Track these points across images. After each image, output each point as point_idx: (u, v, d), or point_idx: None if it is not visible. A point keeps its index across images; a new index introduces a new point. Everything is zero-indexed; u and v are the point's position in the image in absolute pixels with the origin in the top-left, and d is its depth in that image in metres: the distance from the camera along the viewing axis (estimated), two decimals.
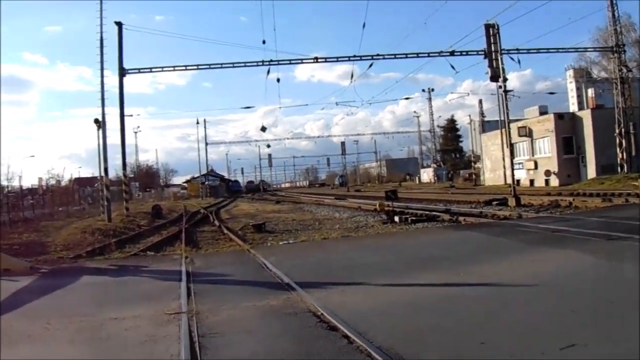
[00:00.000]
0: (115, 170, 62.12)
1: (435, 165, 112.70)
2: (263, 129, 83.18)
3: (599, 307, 8.55)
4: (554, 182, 54.10)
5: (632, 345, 6.66)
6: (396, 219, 27.06)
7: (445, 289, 11.13)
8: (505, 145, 45.01)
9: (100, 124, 39.06)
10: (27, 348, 8.83)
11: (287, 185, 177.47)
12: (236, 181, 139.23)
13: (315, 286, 11.95)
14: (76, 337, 9.27)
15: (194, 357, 7.70)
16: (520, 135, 58.58)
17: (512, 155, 38.11)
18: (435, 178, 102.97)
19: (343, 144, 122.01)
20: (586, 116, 53.99)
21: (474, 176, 75.98)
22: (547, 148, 56.83)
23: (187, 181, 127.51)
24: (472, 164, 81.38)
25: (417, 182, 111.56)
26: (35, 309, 11.59)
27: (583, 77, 76.64)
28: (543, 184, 55.42)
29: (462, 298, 10.29)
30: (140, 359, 7.90)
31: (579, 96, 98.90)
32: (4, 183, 51.13)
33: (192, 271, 15.30)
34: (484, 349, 7.28)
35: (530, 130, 59.04)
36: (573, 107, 59.60)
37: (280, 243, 22.12)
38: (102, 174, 39.64)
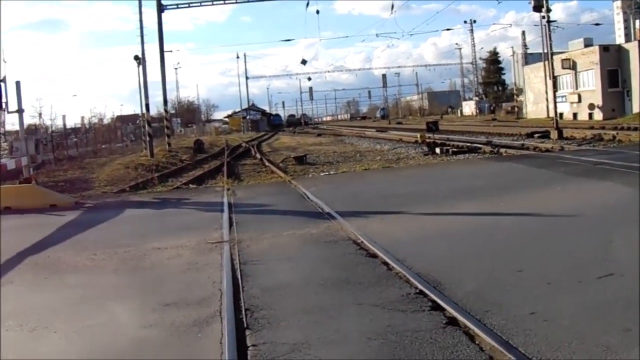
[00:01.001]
0: (156, 106, 62.44)
1: (477, 98, 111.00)
2: (303, 62, 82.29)
3: (637, 239, 8.37)
4: (598, 115, 52.87)
5: None
6: (437, 150, 26.85)
7: (483, 218, 11.06)
8: (548, 78, 44.01)
9: (140, 60, 39.13)
10: (73, 278, 9.02)
11: (329, 118, 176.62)
12: (277, 115, 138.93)
13: (355, 215, 11.97)
14: (120, 267, 9.44)
15: (235, 284, 7.77)
16: (564, 68, 57.08)
17: (555, 88, 37.22)
18: (477, 111, 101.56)
19: (384, 76, 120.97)
20: (633, 48, 52.25)
21: (516, 109, 74.61)
22: (591, 81, 55.37)
23: (229, 116, 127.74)
24: (515, 97, 79.93)
25: (459, 115, 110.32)
26: (81, 242, 11.78)
27: (631, 7, 74.15)
28: (586, 117, 54.18)
29: (501, 227, 10.23)
30: (182, 286, 7.98)
31: (626, 28, 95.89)
32: (48, 123, 51.80)
33: (234, 202, 15.44)
34: (520, 276, 7.25)
35: (574, 63, 57.47)
36: (619, 39, 57.63)
37: (321, 174, 22.12)
38: (144, 110, 39.91)
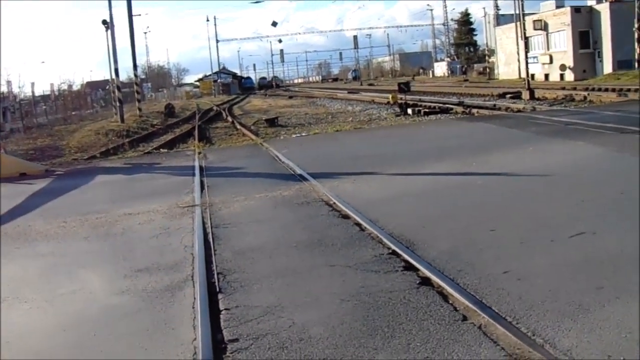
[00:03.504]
0: (126, 72, 61.83)
1: (448, 60, 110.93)
2: (274, 24, 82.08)
3: (609, 198, 8.43)
4: (569, 76, 52.99)
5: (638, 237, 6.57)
6: (409, 111, 26.80)
7: (456, 178, 11.05)
8: (520, 39, 43.91)
9: (109, 25, 38.48)
10: (44, 246, 8.89)
11: (300, 81, 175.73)
12: (248, 78, 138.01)
13: (327, 176, 11.93)
14: (92, 234, 9.33)
15: (207, 248, 7.72)
16: (535, 29, 57.04)
17: (527, 49, 37.23)
18: (449, 72, 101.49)
19: (355, 37, 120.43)
20: (604, 10, 52.23)
21: (487, 70, 74.61)
22: (562, 42, 55.41)
23: (199, 80, 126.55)
24: (486, 58, 79.87)
25: (431, 76, 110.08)
26: (51, 210, 11.65)
27: None
28: (558, 78, 54.28)
29: (474, 187, 10.23)
30: (154, 251, 7.91)
31: None
32: (16, 91, 51.03)
33: (206, 166, 15.36)
34: (493, 236, 7.26)
35: (546, 24, 57.45)
36: (591, 1, 57.48)
37: (293, 136, 22.06)
38: (113, 75, 39.32)
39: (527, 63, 35.07)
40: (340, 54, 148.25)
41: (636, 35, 47.45)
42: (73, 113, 50.72)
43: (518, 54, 54.98)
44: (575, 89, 33.97)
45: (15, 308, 6.30)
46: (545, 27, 57.42)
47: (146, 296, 6.21)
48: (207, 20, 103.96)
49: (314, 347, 4.65)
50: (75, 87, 65.12)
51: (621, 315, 4.73)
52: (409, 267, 6.34)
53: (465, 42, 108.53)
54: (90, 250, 8.51)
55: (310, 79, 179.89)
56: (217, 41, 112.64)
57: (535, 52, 57.73)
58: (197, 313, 5.51)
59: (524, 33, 36.94)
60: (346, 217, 8.73)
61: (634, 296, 5.03)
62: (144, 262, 7.38)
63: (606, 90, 30.14)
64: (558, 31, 55.75)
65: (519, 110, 24.54)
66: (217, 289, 6.13)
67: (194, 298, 5.94)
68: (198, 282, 6.38)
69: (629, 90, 28.33)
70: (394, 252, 6.84)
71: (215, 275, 6.56)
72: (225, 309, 5.57)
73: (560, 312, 4.90)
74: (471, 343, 4.53)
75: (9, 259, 8.31)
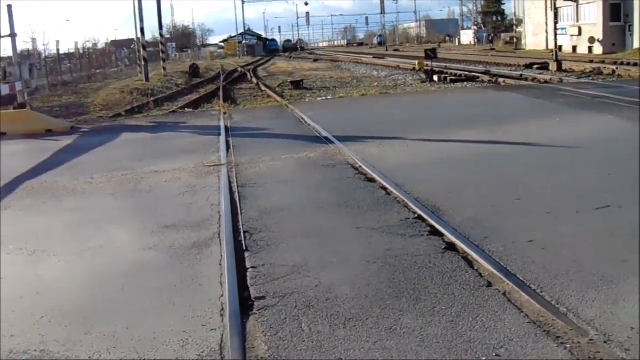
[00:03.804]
0: (151, 32, 61.67)
1: (475, 28, 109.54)
2: None
3: (635, 172, 8.32)
4: (598, 49, 52.08)
5: None
6: (435, 78, 26.65)
7: (482, 147, 11.01)
8: (549, 9, 43.29)
9: None
10: (71, 201, 8.98)
11: (325, 44, 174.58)
12: (273, 40, 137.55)
13: (352, 140, 11.94)
14: (118, 190, 9.42)
15: (233, 207, 7.78)
16: (565, 0, 56.26)
17: (556, 20, 36.70)
18: (475, 40, 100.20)
19: (382, 2, 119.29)
20: None
21: (515, 40, 73.66)
22: (592, 14, 54.39)
23: (224, 41, 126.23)
24: (514, 27, 78.83)
25: (457, 44, 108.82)
26: (78, 166, 11.75)
27: None
28: (586, 51, 53.38)
29: (499, 156, 10.19)
30: (180, 208, 7.99)
31: None
32: (41, 48, 51.09)
33: (231, 126, 15.40)
34: (519, 205, 7.27)
35: None
36: None
37: (319, 99, 22.00)
38: (139, 34, 39.29)
39: (555, 34, 34.58)
40: (367, 18, 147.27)
41: None
42: (97, 71, 50.76)
43: (546, 24, 54.02)
44: (603, 62, 33.48)
45: (45, 261, 6.39)
46: None
47: (173, 252, 6.28)
48: None
49: (340, 307, 4.71)
50: (100, 46, 65.25)
51: None
52: (434, 232, 6.36)
53: (493, 10, 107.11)
54: (117, 206, 8.61)
55: (335, 43, 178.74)
56: (243, 2, 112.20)
57: (564, 24, 56.85)
58: (224, 270, 5.58)
59: (554, 4, 36.37)
60: (372, 180, 8.75)
61: None
62: (171, 219, 7.44)
63: (635, 64, 29.63)
64: (588, 3, 54.74)
65: (546, 82, 24.22)
66: (244, 247, 6.19)
67: (221, 256, 6.01)
68: (225, 240, 6.44)
69: None
70: (419, 217, 6.86)
71: (242, 234, 6.62)
72: (252, 267, 5.64)
73: (584, 282, 4.91)
74: (496, 309, 4.57)
75: (36, 213, 8.44)
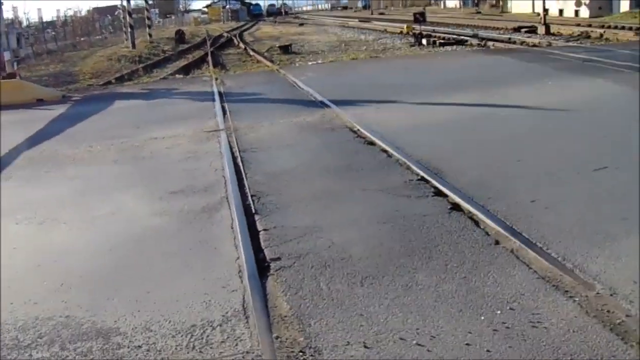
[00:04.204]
0: None
1: None
2: None
3: (631, 136, 8.45)
4: (584, 13, 51.89)
5: None
6: (424, 41, 26.68)
7: (478, 109, 11.10)
8: None
9: None
10: (73, 170, 9.01)
11: (309, 8, 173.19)
12: (257, 4, 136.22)
13: (348, 104, 12.02)
14: (120, 157, 9.48)
15: (238, 171, 7.89)
16: None
17: None
18: (461, 3, 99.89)
19: None
20: None
21: (500, 3, 73.49)
22: None
23: (208, 6, 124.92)
24: None
25: (442, 7, 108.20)
26: (75, 134, 11.74)
27: None
28: (572, 14, 53.40)
29: (496, 118, 10.29)
30: (185, 174, 8.08)
31: None
32: (21, 17, 50.53)
33: (224, 91, 15.42)
34: (519, 166, 7.39)
35: None
36: None
37: (309, 63, 22.04)
38: (124, 0, 38.97)
39: None
40: None
41: None
42: (82, 39, 50.41)
43: None
44: (590, 25, 33.51)
45: (55, 229, 6.48)
46: None
47: (184, 217, 6.40)
48: None
49: (356, 266, 4.86)
50: (82, 14, 64.57)
51: None
52: (438, 193, 6.51)
53: None
54: (120, 173, 8.65)
55: (319, 6, 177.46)
56: None
57: None
58: (236, 233, 5.71)
59: None
60: (372, 144, 8.87)
61: None
62: (177, 185, 7.54)
63: (622, 28, 29.74)
64: None
65: (534, 45, 24.22)
66: (254, 211, 6.32)
67: (232, 219, 6.13)
68: (233, 203, 6.56)
69: None
70: (422, 179, 7.00)
71: (250, 198, 6.74)
72: (264, 230, 5.77)
73: (587, 239, 5.08)
74: (505, 265, 4.74)
75: (40, 183, 8.48)
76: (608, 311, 4.00)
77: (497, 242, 5.18)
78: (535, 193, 6.30)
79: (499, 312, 4.06)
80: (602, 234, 5.17)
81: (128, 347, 4.03)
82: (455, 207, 6.07)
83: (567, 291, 4.29)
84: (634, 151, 7.59)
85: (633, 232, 5.15)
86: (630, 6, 48.15)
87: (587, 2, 51.36)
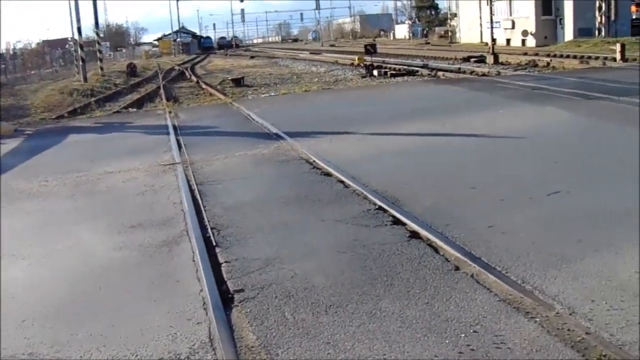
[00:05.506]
0: (83, 31, 60.46)
1: (410, 22, 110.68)
2: None
3: (581, 161, 8.80)
4: (531, 42, 53.16)
5: (610, 195, 6.96)
6: (375, 73, 27.03)
7: (432, 138, 11.29)
8: (486, 4, 43.97)
9: None
10: (30, 204, 8.89)
11: (260, 41, 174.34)
12: (208, 37, 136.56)
13: (303, 135, 12.11)
14: (76, 192, 9.39)
15: (196, 204, 7.86)
16: None
17: (492, 12, 37.42)
18: (410, 34, 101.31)
19: None
20: None
21: (449, 33, 74.77)
22: (525, 8, 55.57)
23: (159, 39, 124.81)
24: (448, 21, 79.90)
25: (392, 38, 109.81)
26: (29, 169, 11.59)
27: None
28: (519, 44, 54.54)
29: (450, 147, 10.50)
30: (143, 208, 8.05)
31: None
32: None
33: (179, 125, 15.40)
34: (474, 194, 7.54)
35: None
36: None
37: (262, 96, 22.21)
38: (75, 34, 38.71)
39: (492, 27, 35.25)
40: (301, 14, 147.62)
41: (597, 4, 47.77)
42: (32, 72, 49.86)
43: (480, 18, 55.15)
44: (537, 54, 34.30)
45: (15, 264, 6.38)
46: None
47: (144, 251, 6.37)
48: None
49: (320, 295, 4.90)
50: (33, 46, 63.93)
51: (600, 265, 5.08)
52: (396, 221, 6.59)
53: (426, 5, 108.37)
54: (77, 207, 8.57)
55: (270, 39, 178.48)
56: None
57: (498, 17, 57.84)
58: (198, 266, 5.70)
59: None
60: (328, 174, 8.93)
61: (610, 249, 5.39)
62: (136, 219, 7.50)
63: (568, 56, 30.54)
64: None
65: (484, 74, 24.76)
66: (214, 243, 6.32)
67: (192, 252, 6.12)
68: (194, 236, 6.54)
69: (589, 57, 28.70)
70: (380, 208, 7.07)
71: (210, 230, 6.73)
72: (226, 262, 5.77)
73: (545, 262, 5.20)
74: (466, 290, 4.82)
75: None
76: (568, 329, 4.11)
77: (457, 268, 5.27)
78: (492, 219, 6.42)
79: (462, 335, 4.14)
80: (558, 256, 5.30)
81: None
82: (414, 234, 6.15)
83: (528, 312, 4.39)
84: (584, 175, 7.83)
85: (587, 254, 5.30)
86: (574, 35, 49.38)
87: (533, 32, 52.61)
